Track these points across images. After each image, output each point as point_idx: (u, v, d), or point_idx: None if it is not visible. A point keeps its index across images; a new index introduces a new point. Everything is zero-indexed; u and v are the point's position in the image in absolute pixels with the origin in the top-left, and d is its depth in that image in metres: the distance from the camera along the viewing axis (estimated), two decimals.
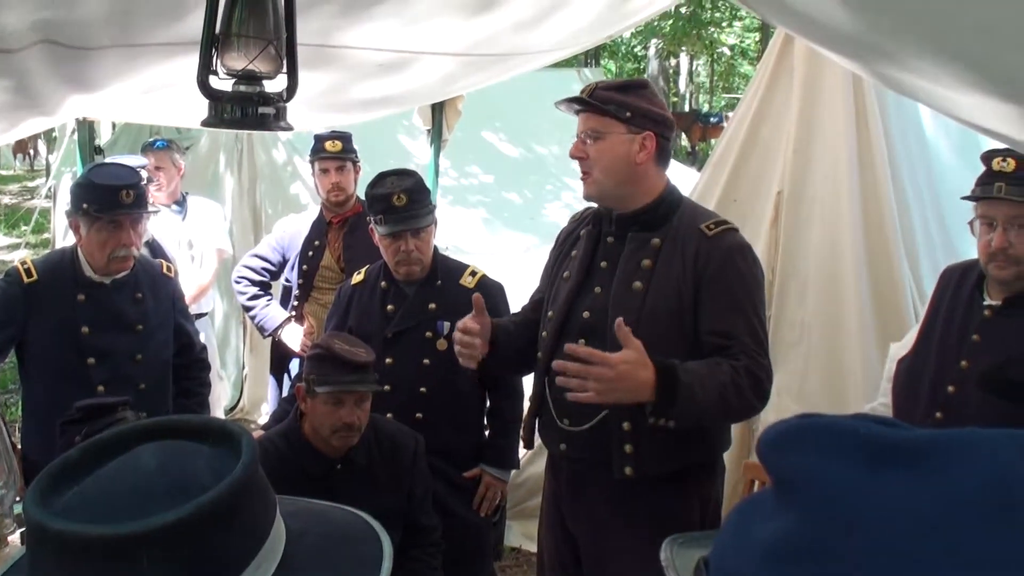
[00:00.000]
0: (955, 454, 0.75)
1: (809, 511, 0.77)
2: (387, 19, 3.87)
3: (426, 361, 4.31)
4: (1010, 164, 3.20)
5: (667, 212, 3.32)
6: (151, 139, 6.96)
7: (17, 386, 7.54)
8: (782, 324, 4.72)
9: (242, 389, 8.58)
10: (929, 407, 3.37)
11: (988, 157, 3.29)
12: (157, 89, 4.32)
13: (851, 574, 0.73)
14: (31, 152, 31.48)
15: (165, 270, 4.61)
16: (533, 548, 4.79)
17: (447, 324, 4.27)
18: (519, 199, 11.41)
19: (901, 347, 3.69)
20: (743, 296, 3.17)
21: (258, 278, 5.85)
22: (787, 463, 0.81)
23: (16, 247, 14.69)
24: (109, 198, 4.08)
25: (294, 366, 5.81)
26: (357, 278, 4.61)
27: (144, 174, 5.59)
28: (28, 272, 4.20)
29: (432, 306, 4.32)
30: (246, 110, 2.76)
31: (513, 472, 4.82)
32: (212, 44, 2.72)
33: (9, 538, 4.10)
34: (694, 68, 40.78)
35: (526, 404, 3.98)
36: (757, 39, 33.42)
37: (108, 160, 5.66)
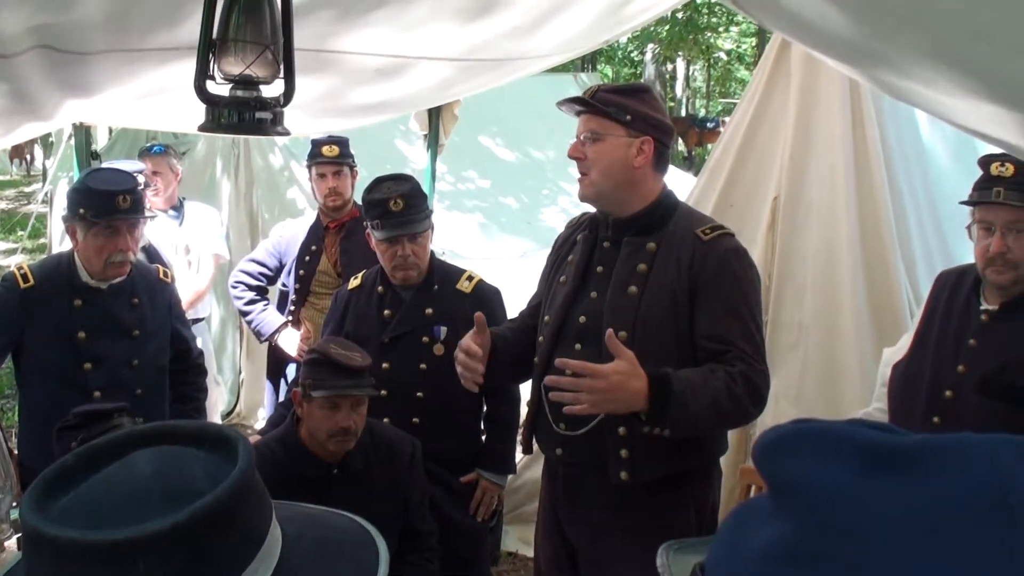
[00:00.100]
0: (950, 459, 0.76)
1: (804, 516, 0.77)
2: (384, 24, 3.87)
3: (423, 366, 4.31)
4: (1009, 169, 3.19)
5: (663, 217, 3.32)
6: (148, 144, 6.95)
7: (14, 391, 7.54)
8: (779, 328, 4.73)
9: (238, 394, 8.58)
10: (927, 412, 3.37)
11: (986, 162, 3.29)
12: (154, 94, 4.32)
13: None
14: (28, 157, 31.42)
15: (162, 275, 4.60)
16: (530, 553, 4.80)
17: (444, 329, 4.28)
18: (516, 204, 11.40)
19: (894, 352, 3.69)
20: (739, 300, 3.17)
21: (255, 283, 5.85)
22: (782, 469, 0.81)
23: (13, 252, 14.68)
24: (106, 203, 4.08)
25: (291, 371, 5.80)
26: (354, 283, 4.61)
27: (141, 179, 5.60)
28: (24, 277, 4.19)
29: (429, 311, 4.32)
30: (243, 115, 2.76)
31: (510, 477, 4.82)
32: (209, 49, 2.72)
33: (6, 544, 4.11)
34: (691, 73, 40.81)
35: (523, 409, 3.98)
36: (754, 44, 33.44)
37: (105, 165, 5.65)
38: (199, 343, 5.01)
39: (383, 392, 4.13)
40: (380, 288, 4.45)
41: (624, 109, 3.24)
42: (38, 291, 4.18)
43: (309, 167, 5.80)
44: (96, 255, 4.15)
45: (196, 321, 6.34)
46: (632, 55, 37.06)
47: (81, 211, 4.09)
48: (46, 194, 10.31)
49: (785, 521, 0.78)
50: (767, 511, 0.82)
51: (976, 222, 3.32)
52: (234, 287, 5.86)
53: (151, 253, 5.70)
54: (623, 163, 3.25)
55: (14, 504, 4.03)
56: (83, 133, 5.70)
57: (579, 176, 3.34)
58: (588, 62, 25.41)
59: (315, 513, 1.49)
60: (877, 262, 4.54)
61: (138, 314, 4.33)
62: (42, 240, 13.33)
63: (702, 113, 37.38)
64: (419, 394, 4.30)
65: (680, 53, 32.31)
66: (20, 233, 13.41)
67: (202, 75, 2.74)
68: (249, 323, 5.91)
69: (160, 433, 1.29)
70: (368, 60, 4.27)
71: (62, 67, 3.61)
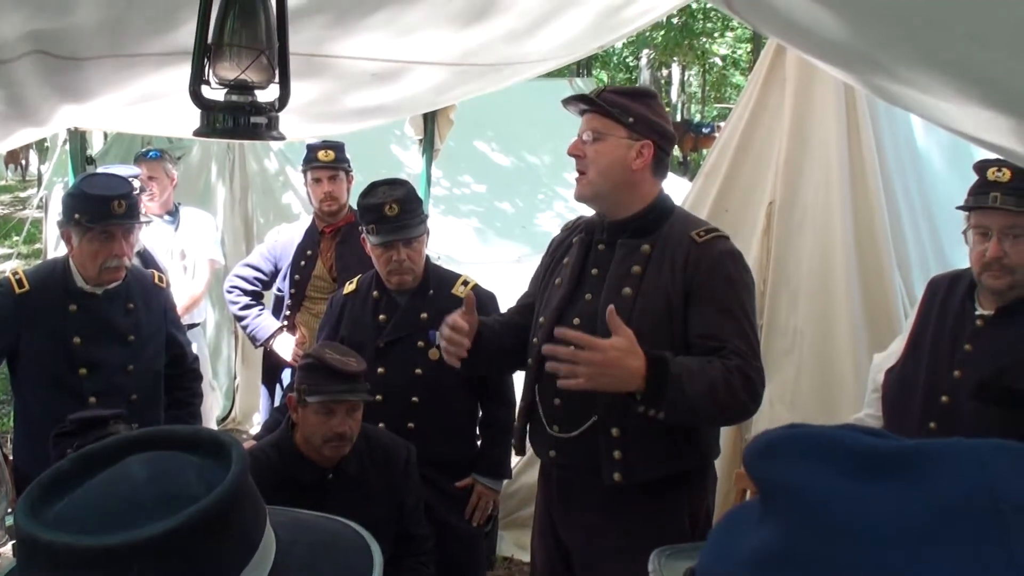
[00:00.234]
0: (941, 464, 0.76)
1: (795, 521, 0.77)
2: (380, 29, 3.87)
3: (418, 371, 4.31)
4: (1006, 174, 3.20)
5: (658, 220, 3.33)
6: (144, 149, 6.95)
7: (8, 397, 7.52)
8: (774, 333, 4.73)
9: (234, 399, 8.57)
10: (923, 418, 3.37)
11: (982, 167, 3.29)
12: (149, 99, 4.32)
13: None
14: (23, 162, 31.42)
15: (157, 280, 4.60)
16: (526, 557, 4.79)
17: (439, 334, 4.29)
18: (511, 208, 11.40)
19: (885, 357, 3.69)
20: (733, 301, 3.17)
21: (250, 288, 5.85)
22: (774, 473, 0.81)
23: (8, 257, 14.68)
24: (101, 208, 4.08)
25: (286, 376, 5.80)
26: (349, 288, 4.61)
27: (137, 184, 5.59)
28: (20, 283, 4.19)
29: (424, 316, 4.32)
30: (238, 120, 2.75)
31: (505, 482, 4.81)
32: (204, 54, 2.72)
33: (1, 549, 4.10)
34: (686, 78, 40.86)
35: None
36: (749, 49, 33.47)
37: (100, 170, 5.65)
38: (194, 348, 5.01)
39: (378, 397, 4.13)
40: (375, 293, 4.45)
41: (627, 111, 3.25)
42: (33, 296, 4.17)
43: (305, 172, 5.80)
44: (91, 260, 4.14)
45: (192, 326, 6.34)
46: (627, 60, 37.11)
47: (76, 216, 4.09)
48: (41, 199, 10.28)
49: (776, 526, 0.78)
50: (758, 515, 0.82)
51: (972, 227, 3.32)
52: (229, 292, 5.86)
53: (146, 258, 5.70)
54: (622, 164, 3.26)
55: (9, 510, 4.02)
56: (78, 138, 5.70)
57: (577, 175, 3.35)
58: (583, 67, 25.49)
59: (309, 518, 1.49)
60: (872, 267, 4.54)
61: (133, 319, 4.32)
62: (37, 245, 13.34)
63: (697, 118, 37.46)
64: (414, 399, 4.30)
65: (675, 58, 32.36)
66: (15, 238, 13.40)
67: (197, 80, 2.74)
68: (244, 328, 5.90)
69: (154, 438, 1.29)
70: (364, 65, 4.28)
71: (57, 72, 3.61)
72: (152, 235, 6.14)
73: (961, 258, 3.56)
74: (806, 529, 0.76)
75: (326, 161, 5.65)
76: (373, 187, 4.41)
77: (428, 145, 6.21)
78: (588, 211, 3.55)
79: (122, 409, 3.63)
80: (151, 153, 6.58)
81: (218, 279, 7.03)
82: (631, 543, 3.16)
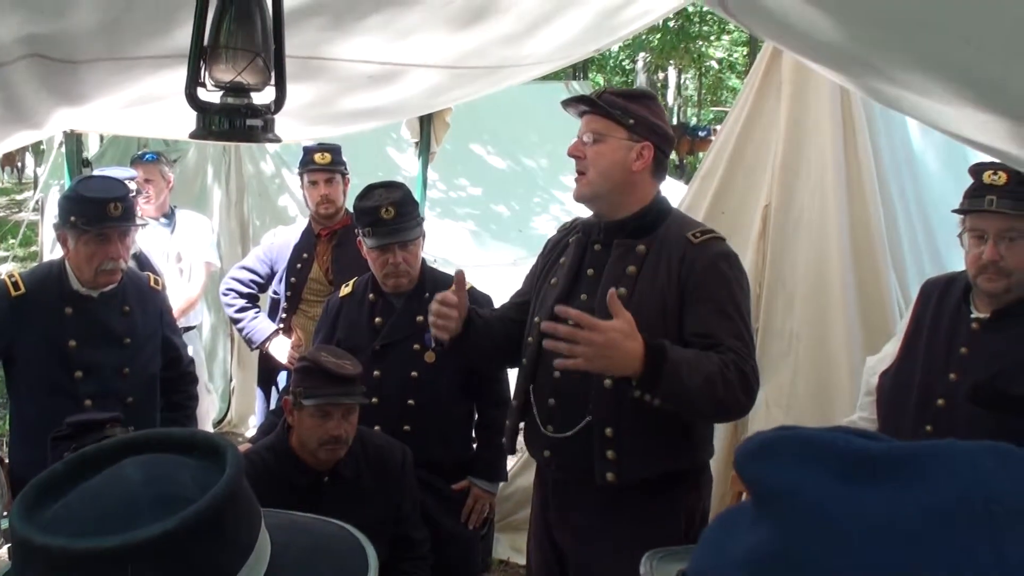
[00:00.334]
0: (932, 466, 0.76)
1: (786, 523, 0.77)
2: (376, 31, 3.87)
3: (414, 373, 4.31)
4: (1002, 177, 3.20)
5: (655, 221, 3.34)
6: (140, 151, 6.96)
7: (4, 400, 7.52)
8: (770, 336, 4.73)
9: (230, 402, 8.56)
10: (918, 421, 3.37)
11: (978, 170, 3.29)
12: (145, 102, 4.31)
13: None
14: (19, 165, 31.42)
15: (153, 283, 4.60)
16: (522, 560, 4.80)
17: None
18: (507, 211, 11.42)
19: (878, 360, 3.69)
20: (727, 301, 3.18)
21: (246, 290, 5.84)
22: (765, 475, 0.81)
23: (4, 260, 14.67)
24: (97, 211, 4.07)
25: (282, 379, 5.81)
26: (345, 290, 4.61)
27: (133, 186, 5.59)
28: (15, 285, 4.19)
29: (420, 318, 4.30)
30: (234, 122, 2.75)
31: (501, 484, 4.81)
32: (200, 56, 2.72)
33: None
34: (682, 82, 40.84)
35: None
36: (745, 53, 33.48)
37: (96, 173, 5.65)
38: (190, 351, 5.00)
39: (374, 400, 4.13)
40: (371, 296, 4.45)
41: (628, 113, 3.26)
42: (29, 299, 4.17)
43: (301, 174, 5.81)
44: (87, 263, 4.14)
45: (187, 329, 6.34)
46: (623, 63, 37.10)
47: (72, 219, 4.09)
48: (37, 202, 10.28)
49: (769, 528, 0.78)
50: (750, 518, 0.82)
51: (967, 230, 3.32)
52: (225, 294, 5.85)
53: (141, 261, 5.69)
54: (622, 166, 3.27)
55: (4, 513, 4.01)
56: (74, 141, 5.69)
57: (576, 175, 3.35)
58: (580, 70, 25.51)
59: (304, 521, 1.49)
60: (868, 270, 4.54)
61: (129, 322, 4.32)
62: (33, 248, 13.32)
63: (693, 122, 37.41)
64: (410, 402, 4.30)
65: (672, 62, 32.30)
66: (11, 241, 13.39)
67: (193, 82, 2.73)
68: (240, 331, 5.90)
69: (150, 440, 1.29)
70: (360, 67, 4.27)
71: (53, 75, 3.60)
72: (148, 238, 6.13)
73: (957, 261, 3.56)
74: (799, 531, 0.76)
75: (322, 164, 5.65)
76: (369, 190, 4.41)
77: (424, 148, 6.21)
78: (584, 213, 3.55)
79: (118, 412, 3.62)
80: (147, 156, 6.57)
81: (214, 282, 7.02)
82: (625, 545, 3.16)
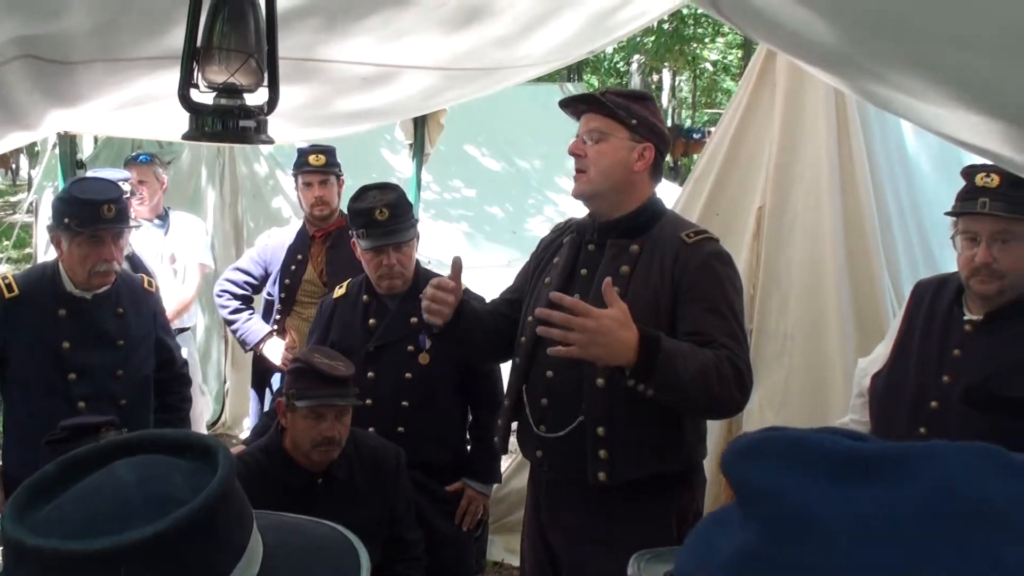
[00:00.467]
0: (919, 466, 0.76)
1: (773, 524, 0.77)
2: (370, 33, 3.87)
3: (408, 375, 4.31)
4: (994, 180, 3.19)
5: (648, 221, 3.34)
6: (134, 153, 6.95)
7: None
8: (764, 337, 4.74)
9: (224, 403, 8.56)
10: (912, 423, 3.36)
11: (970, 172, 3.29)
12: (139, 103, 4.31)
13: None
14: (13, 167, 31.37)
15: (146, 285, 4.59)
16: (516, 562, 4.79)
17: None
18: (501, 213, 11.41)
19: (870, 362, 3.68)
20: (721, 300, 3.18)
21: (240, 292, 5.84)
22: (751, 476, 0.81)
23: None
24: (90, 213, 4.07)
25: (276, 380, 5.79)
26: (339, 292, 4.61)
27: (127, 187, 5.59)
28: (9, 287, 4.18)
29: (414, 320, 4.30)
30: (227, 123, 2.75)
31: (495, 486, 4.81)
32: (193, 57, 2.72)
33: None
34: (676, 84, 40.87)
35: None
36: (740, 55, 33.48)
37: (90, 174, 5.64)
38: (184, 353, 5.00)
39: (368, 401, 4.13)
40: (365, 297, 4.45)
41: (631, 113, 3.27)
42: (22, 301, 4.17)
43: (295, 176, 5.80)
44: (80, 265, 4.13)
45: (181, 331, 6.33)
46: (618, 65, 37.10)
47: (66, 220, 4.08)
48: (31, 204, 10.28)
49: (755, 529, 0.78)
50: (735, 519, 0.82)
51: (960, 232, 3.32)
52: (219, 296, 5.85)
53: (135, 262, 5.68)
54: (623, 165, 3.28)
55: None
56: (68, 142, 5.69)
57: (576, 173, 3.36)
58: (574, 72, 25.46)
59: (296, 522, 1.49)
60: (862, 271, 4.54)
61: (123, 324, 4.32)
62: (28, 250, 13.30)
63: (688, 124, 37.39)
64: (404, 403, 4.30)
65: (666, 64, 32.35)
66: (5, 243, 13.36)
67: (186, 83, 2.74)
68: (234, 332, 5.90)
69: (142, 442, 1.29)
70: (354, 69, 4.27)
71: (47, 76, 3.60)
72: (142, 239, 6.12)
73: (950, 262, 3.56)
74: (785, 532, 0.76)
75: (317, 165, 5.65)
76: (363, 191, 4.41)
77: (418, 149, 6.21)
78: (578, 215, 3.56)
79: (113, 416, 3.62)
80: (141, 157, 6.57)
81: (208, 283, 7.02)
82: (618, 545, 3.16)
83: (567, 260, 3.45)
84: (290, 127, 5.09)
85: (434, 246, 8.65)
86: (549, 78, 11.70)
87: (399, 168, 9.63)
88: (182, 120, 2.83)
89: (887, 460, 0.77)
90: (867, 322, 4.51)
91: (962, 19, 1.77)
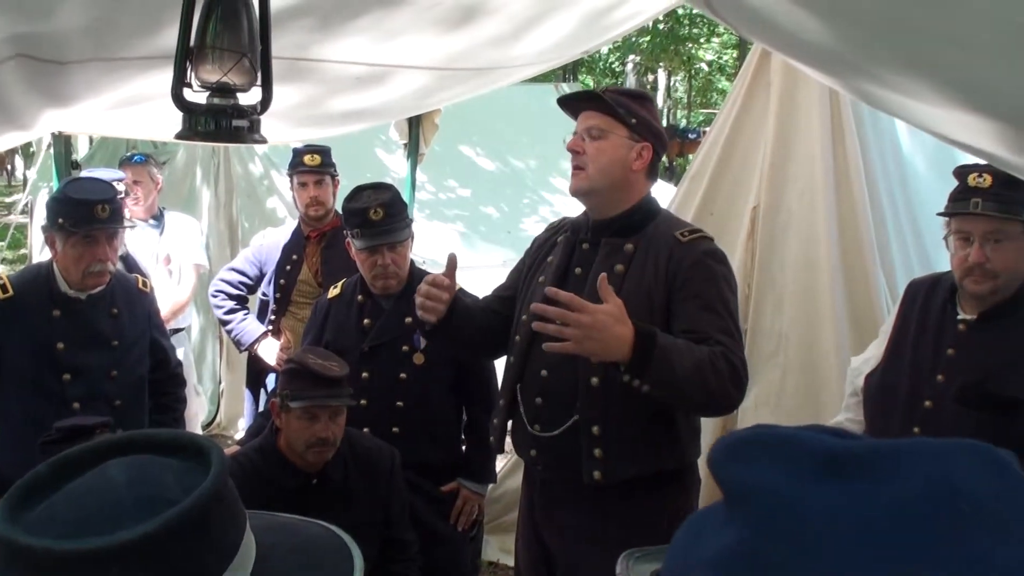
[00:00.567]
0: (903, 463, 0.76)
1: (759, 522, 0.77)
2: (364, 33, 3.87)
3: (402, 375, 4.30)
4: (987, 180, 3.20)
5: (643, 220, 3.35)
6: (128, 153, 6.94)
7: None
8: (759, 336, 4.74)
9: (219, 404, 8.55)
10: (906, 423, 3.37)
11: (963, 173, 3.30)
12: (133, 103, 4.31)
13: None
14: (8, 167, 31.35)
15: (141, 285, 4.58)
16: (511, 562, 4.79)
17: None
18: (496, 213, 11.42)
19: (863, 361, 3.69)
20: (715, 298, 3.18)
21: (235, 292, 5.83)
22: (737, 474, 0.81)
23: None
24: (84, 213, 4.06)
25: (270, 381, 5.79)
26: (334, 292, 4.61)
27: (121, 187, 5.58)
28: (3, 287, 4.17)
29: (409, 320, 4.30)
30: (220, 123, 2.75)
31: (490, 486, 4.81)
32: (186, 57, 2.71)
33: None
34: (672, 84, 40.89)
35: None
36: (735, 55, 33.50)
37: (84, 174, 5.63)
38: (179, 353, 4.99)
39: (363, 401, 4.13)
40: (360, 297, 4.45)
41: (631, 112, 3.28)
42: (17, 301, 4.16)
43: (290, 176, 5.79)
44: (75, 265, 4.13)
45: (176, 331, 6.32)
46: (613, 66, 37.13)
47: (60, 221, 4.08)
48: (26, 204, 10.25)
49: (741, 527, 0.78)
50: (722, 517, 0.82)
51: (953, 233, 3.32)
52: (214, 296, 5.84)
53: (129, 263, 5.67)
54: (622, 164, 3.28)
55: None
56: (63, 142, 5.69)
57: (573, 169, 3.35)
58: (569, 72, 25.52)
59: (290, 522, 1.49)
60: (857, 270, 4.55)
61: (117, 324, 4.31)
62: (23, 251, 13.28)
63: (683, 123, 37.46)
64: (399, 403, 4.30)
65: (661, 64, 32.38)
66: (0, 244, 13.36)
67: (179, 83, 2.73)
68: (229, 332, 5.89)
69: (134, 442, 1.29)
70: (348, 68, 4.27)
71: (41, 76, 3.60)
72: (137, 240, 6.11)
73: (945, 262, 3.56)
74: (771, 530, 0.76)
75: (312, 165, 5.64)
76: (358, 191, 4.41)
77: (413, 149, 6.21)
78: (573, 215, 3.56)
79: (108, 417, 3.61)
80: (136, 157, 6.56)
81: (203, 283, 7.01)
82: (611, 546, 3.15)
83: (561, 259, 3.45)
84: (284, 127, 5.09)
85: (429, 246, 8.66)
86: (544, 78, 11.72)
87: (394, 168, 9.64)
88: (176, 120, 2.83)
89: (874, 458, 0.77)
90: (862, 321, 4.51)
91: (956, 19, 1.77)
